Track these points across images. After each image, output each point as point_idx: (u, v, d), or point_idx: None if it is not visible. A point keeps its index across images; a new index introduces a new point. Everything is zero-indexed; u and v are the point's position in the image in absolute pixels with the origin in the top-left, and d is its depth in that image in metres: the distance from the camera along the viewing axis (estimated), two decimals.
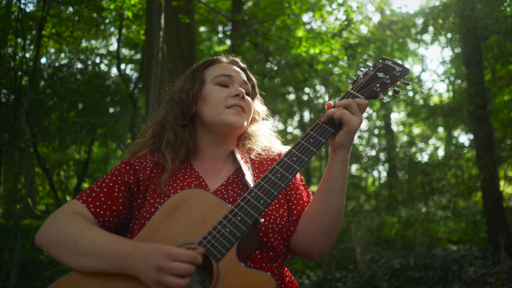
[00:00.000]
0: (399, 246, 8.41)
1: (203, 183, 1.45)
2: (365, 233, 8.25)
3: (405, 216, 10.37)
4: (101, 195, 1.38)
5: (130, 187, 1.42)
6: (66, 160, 11.54)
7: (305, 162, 1.26)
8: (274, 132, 1.70)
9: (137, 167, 1.47)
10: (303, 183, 1.57)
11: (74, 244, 1.21)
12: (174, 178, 1.45)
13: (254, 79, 1.66)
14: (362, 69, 1.48)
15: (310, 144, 1.29)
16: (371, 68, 1.46)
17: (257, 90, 1.67)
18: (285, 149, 1.64)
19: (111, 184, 1.41)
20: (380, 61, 1.49)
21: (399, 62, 1.50)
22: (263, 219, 1.31)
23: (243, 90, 1.51)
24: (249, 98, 1.55)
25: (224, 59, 1.62)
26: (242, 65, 1.64)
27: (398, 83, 1.44)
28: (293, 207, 1.47)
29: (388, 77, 1.42)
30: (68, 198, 11.09)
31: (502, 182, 8.68)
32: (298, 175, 1.57)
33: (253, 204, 1.20)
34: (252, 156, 1.56)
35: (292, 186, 1.51)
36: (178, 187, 1.41)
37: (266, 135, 1.65)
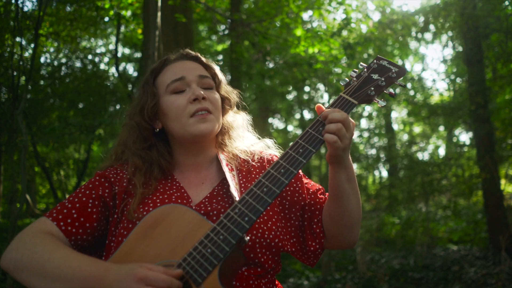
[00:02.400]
0: (399, 246, 8.37)
1: (185, 194, 1.35)
2: (365, 234, 8.21)
3: (405, 215, 10.33)
4: (73, 211, 1.28)
5: (105, 201, 1.32)
6: (66, 159, 11.51)
7: (294, 174, 1.17)
8: (249, 121, 1.57)
9: (112, 179, 1.37)
10: (306, 178, 1.49)
11: (42, 268, 1.12)
12: (154, 190, 1.34)
13: (212, 65, 1.49)
14: (355, 70, 1.38)
15: (299, 155, 1.19)
16: (365, 70, 1.35)
17: (220, 76, 1.49)
18: (273, 151, 1.54)
19: (84, 199, 1.30)
20: (375, 61, 1.38)
21: (395, 61, 1.41)
22: (248, 238, 1.22)
23: (200, 92, 1.35)
24: (212, 93, 1.41)
25: (172, 57, 1.47)
26: (193, 54, 1.47)
27: (395, 84, 1.34)
28: (312, 208, 1.41)
29: (383, 79, 1.31)
30: (67, 197, 11.08)
31: (503, 181, 8.63)
32: (302, 174, 1.48)
33: (237, 221, 1.10)
34: (238, 165, 1.45)
35: (300, 190, 1.43)
36: (158, 200, 1.30)
37: (242, 128, 1.52)
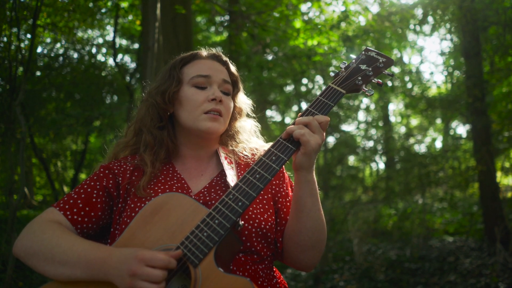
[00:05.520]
0: (396, 237, 8.45)
1: (185, 185, 1.41)
2: (362, 225, 8.28)
3: (402, 207, 10.41)
4: (79, 201, 1.35)
5: (109, 191, 1.39)
6: (63, 150, 11.50)
7: (285, 161, 1.23)
8: (257, 128, 1.65)
9: (116, 171, 1.44)
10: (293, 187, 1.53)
11: (50, 253, 1.20)
12: (156, 180, 1.41)
13: (236, 73, 1.58)
14: (345, 62, 1.44)
15: (290, 143, 1.26)
16: (353, 61, 1.42)
17: (240, 85, 1.59)
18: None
19: (89, 189, 1.38)
20: (363, 52, 1.44)
21: (386, 52, 1.45)
22: (242, 222, 1.28)
23: (220, 95, 1.43)
24: (228, 99, 1.49)
25: (203, 53, 1.53)
26: (224, 58, 1.55)
27: (382, 74, 1.40)
28: (282, 215, 1.43)
29: (370, 69, 1.38)
30: (65, 188, 11.08)
31: (499, 174, 8.69)
32: (288, 180, 1.52)
33: (231, 206, 1.16)
34: (237, 158, 1.51)
35: (283, 193, 1.47)
36: (159, 190, 1.37)
37: (248, 132, 1.59)
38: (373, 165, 15.58)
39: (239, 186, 1.19)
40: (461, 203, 10.57)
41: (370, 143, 12.63)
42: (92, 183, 1.39)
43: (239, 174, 1.45)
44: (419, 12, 7.87)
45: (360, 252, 6.77)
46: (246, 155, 1.51)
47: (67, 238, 1.22)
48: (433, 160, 9.30)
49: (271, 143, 1.53)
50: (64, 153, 11.83)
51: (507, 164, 9.34)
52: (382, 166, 14.62)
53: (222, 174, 1.45)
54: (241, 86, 1.60)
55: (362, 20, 7.58)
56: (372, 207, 10.17)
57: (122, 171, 1.43)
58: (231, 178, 1.38)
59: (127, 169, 1.44)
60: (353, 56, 1.46)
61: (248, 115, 1.64)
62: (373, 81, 1.37)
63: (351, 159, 13.25)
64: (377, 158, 13.05)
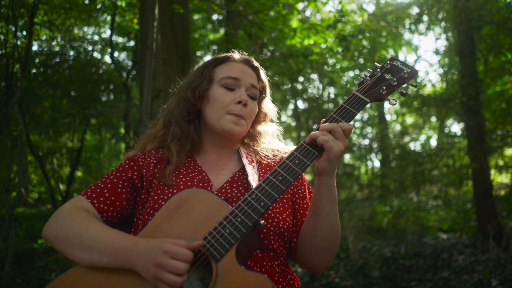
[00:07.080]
0: (391, 234, 8.52)
1: (206, 178, 1.46)
2: (357, 222, 8.34)
3: (396, 205, 10.48)
4: (105, 191, 1.41)
5: (134, 182, 1.45)
6: (59, 148, 11.48)
7: (307, 165, 1.26)
8: (279, 132, 1.68)
9: (140, 163, 1.49)
10: (310, 190, 1.57)
11: (79, 239, 1.25)
12: (178, 172, 1.46)
13: (265, 80, 1.62)
14: (369, 70, 1.46)
15: (313, 147, 1.29)
16: (378, 70, 1.43)
17: (267, 91, 1.63)
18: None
19: (115, 180, 1.44)
20: (388, 61, 1.46)
21: (408, 63, 1.46)
22: (263, 221, 1.32)
23: (246, 98, 1.48)
24: (253, 103, 1.53)
25: (236, 57, 1.58)
26: (255, 64, 1.60)
27: (406, 85, 1.41)
28: (298, 216, 1.47)
29: (395, 79, 1.39)
30: (61, 186, 11.06)
31: (492, 172, 8.78)
32: (306, 183, 1.56)
33: (253, 206, 1.20)
34: (259, 158, 1.55)
35: (301, 195, 1.51)
36: (181, 182, 1.42)
37: (271, 136, 1.64)
38: (369, 163, 15.68)
39: (262, 187, 1.23)
40: (455, 201, 10.66)
41: (366, 141, 12.70)
42: (118, 174, 1.45)
43: (260, 173, 1.49)
44: (414, 11, 7.93)
45: (355, 249, 6.82)
46: (267, 155, 1.56)
47: (95, 225, 1.27)
48: (427, 158, 9.36)
49: (292, 145, 1.58)
50: (60, 151, 11.78)
51: (500, 162, 9.43)
52: (377, 164, 14.71)
53: (243, 170, 1.48)
54: (268, 93, 1.64)
55: (358, 20, 7.63)
56: (368, 205, 10.26)
57: (146, 164, 1.49)
58: (252, 177, 1.42)
59: (151, 162, 1.50)
60: (378, 65, 1.47)
61: (272, 121, 1.68)
62: (396, 90, 1.39)
63: (347, 157, 13.32)
64: (372, 156, 13.12)
